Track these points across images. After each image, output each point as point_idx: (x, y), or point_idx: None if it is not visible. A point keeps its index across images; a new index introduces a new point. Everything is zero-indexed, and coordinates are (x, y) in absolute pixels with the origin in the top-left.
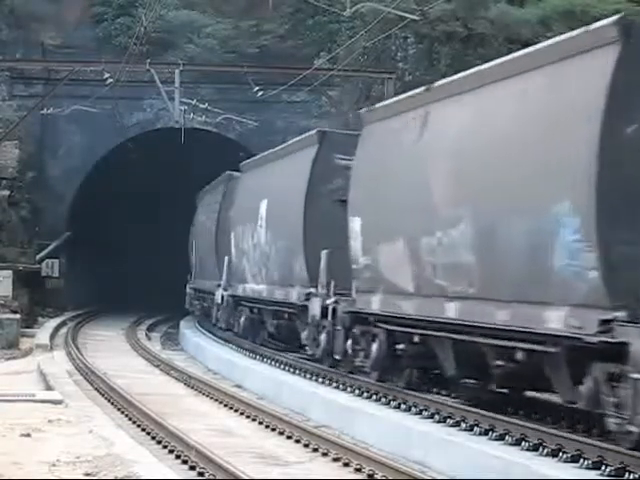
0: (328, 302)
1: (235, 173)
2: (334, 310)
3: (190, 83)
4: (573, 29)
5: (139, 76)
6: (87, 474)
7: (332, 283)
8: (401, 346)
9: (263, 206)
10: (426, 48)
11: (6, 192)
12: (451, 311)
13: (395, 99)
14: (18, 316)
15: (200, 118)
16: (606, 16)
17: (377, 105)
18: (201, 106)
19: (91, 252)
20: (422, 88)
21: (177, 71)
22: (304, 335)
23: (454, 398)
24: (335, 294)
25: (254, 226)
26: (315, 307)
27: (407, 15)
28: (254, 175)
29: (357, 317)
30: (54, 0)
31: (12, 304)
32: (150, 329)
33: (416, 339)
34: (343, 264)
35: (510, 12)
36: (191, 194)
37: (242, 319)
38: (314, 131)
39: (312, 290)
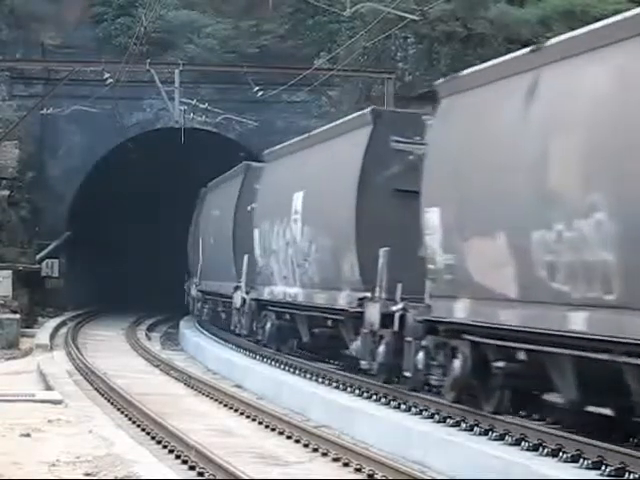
0: (394, 309)
1: (254, 163)
2: (402, 318)
3: (190, 83)
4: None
5: (139, 76)
6: (87, 474)
7: (399, 286)
8: (499, 364)
9: (298, 198)
10: (426, 48)
11: (6, 192)
12: (577, 323)
13: (486, 65)
14: (18, 316)
15: (200, 118)
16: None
17: (460, 73)
18: (201, 106)
19: (91, 252)
20: (527, 49)
21: (177, 71)
22: (355, 346)
23: (552, 424)
24: (401, 299)
25: (286, 221)
26: (373, 314)
27: (407, 15)
28: (284, 164)
29: (430, 327)
30: (54, 0)
31: (12, 304)
32: (150, 329)
33: (521, 356)
34: (407, 264)
35: (510, 12)
36: (191, 194)
37: (268, 326)
38: (367, 109)
39: (367, 294)
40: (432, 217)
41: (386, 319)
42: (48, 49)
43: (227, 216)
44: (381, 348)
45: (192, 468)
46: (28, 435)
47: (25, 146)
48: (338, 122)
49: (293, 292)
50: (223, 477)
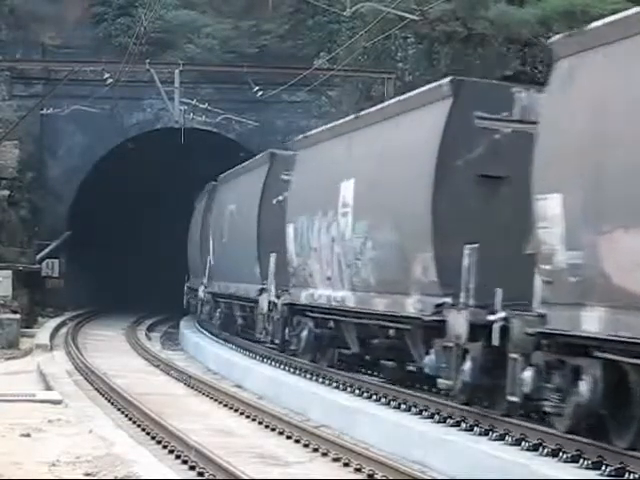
0: (492, 318)
1: (280, 151)
2: (504, 330)
3: (190, 83)
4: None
5: (139, 76)
6: (87, 474)
7: (499, 292)
8: None
9: (347, 188)
10: (426, 48)
11: (6, 192)
12: None
13: (635, 11)
14: (18, 316)
15: (200, 118)
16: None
17: (590, 26)
18: (201, 106)
19: (91, 252)
20: None
21: (177, 71)
22: (429, 361)
23: None
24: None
25: (331, 215)
26: (459, 324)
27: (407, 15)
28: (325, 150)
29: (541, 341)
30: (54, 0)
31: (12, 304)
32: (150, 329)
33: None
34: (500, 263)
35: (510, 12)
36: (191, 194)
37: (304, 334)
38: (445, 80)
39: (446, 300)
40: (549, 206)
41: (476, 330)
42: (48, 49)
43: (248, 211)
44: (467, 365)
45: (192, 468)
46: (28, 435)
47: (25, 146)
48: (404, 97)
49: (340, 296)
50: (223, 477)
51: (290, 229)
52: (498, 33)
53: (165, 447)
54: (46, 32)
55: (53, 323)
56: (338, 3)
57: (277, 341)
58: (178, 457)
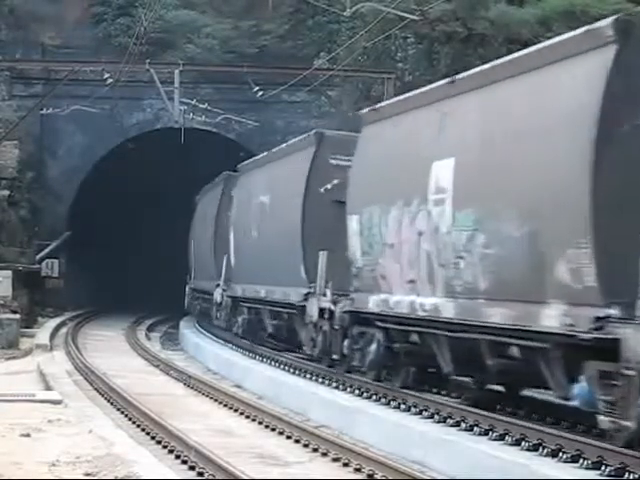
0: None
1: (329, 132)
2: None
3: (190, 83)
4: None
5: (139, 76)
6: (87, 474)
7: None
8: None
9: (443, 169)
10: (426, 48)
11: (6, 192)
12: None
13: None
14: (18, 316)
15: (200, 118)
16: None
17: None
18: (201, 106)
19: (91, 252)
20: None
21: (177, 71)
22: (583, 391)
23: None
24: None
25: (417, 204)
26: None
27: (407, 15)
28: (406, 123)
29: None
30: (54, 0)
31: (12, 304)
32: (150, 329)
33: None
34: None
35: (510, 12)
36: (191, 194)
37: (372, 348)
38: (607, 21)
39: (612, 312)
40: None
41: None
42: (48, 49)
43: (289, 202)
44: None
45: (192, 468)
46: (28, 435)
47: (25, 146)
48: (533, 48)
49: (430, 303)
50: (223, 477)
51: (353, 222)
52: (498, 33)
53: (165, 447)
54: (46, 32)
55: (53, 323)
56: (338, 3)
57: (335, 356)
58: (178, 457)
